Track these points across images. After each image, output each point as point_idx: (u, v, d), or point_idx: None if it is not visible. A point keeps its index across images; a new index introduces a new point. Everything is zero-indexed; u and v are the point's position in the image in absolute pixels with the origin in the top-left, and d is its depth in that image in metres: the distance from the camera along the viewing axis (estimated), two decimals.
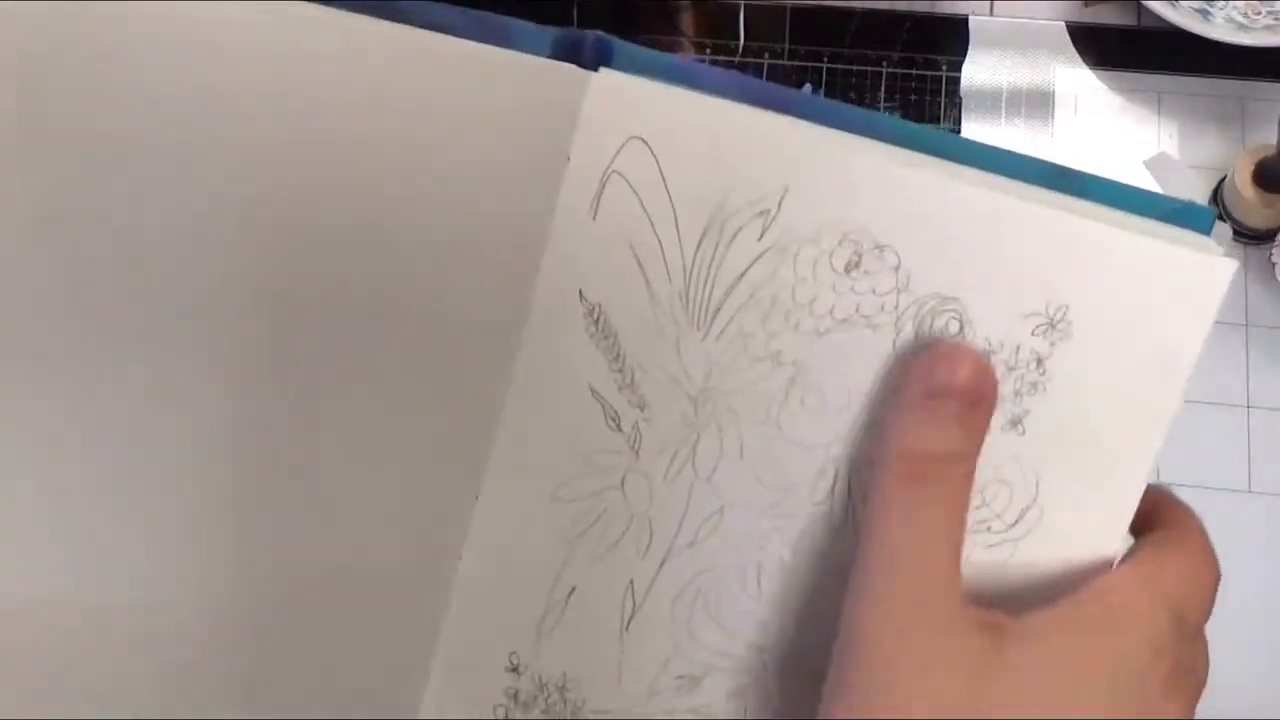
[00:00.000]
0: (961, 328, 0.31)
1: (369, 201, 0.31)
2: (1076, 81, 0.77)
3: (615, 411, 0.33)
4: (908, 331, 0.32)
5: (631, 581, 0.34)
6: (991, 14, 0.80)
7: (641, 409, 0.33)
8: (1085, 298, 0.31)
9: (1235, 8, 0.71)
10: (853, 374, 0.32)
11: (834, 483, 0.33)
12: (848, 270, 0.31)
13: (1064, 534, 0.33)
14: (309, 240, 0.31)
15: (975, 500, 0.33)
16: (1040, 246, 0.31)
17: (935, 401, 0.31)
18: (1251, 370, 0.70)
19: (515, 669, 0.35)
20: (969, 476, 0.31)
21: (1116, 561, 0.33)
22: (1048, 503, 0.32)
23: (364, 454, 0.33)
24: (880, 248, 0.31)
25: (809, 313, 0.32)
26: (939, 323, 0.31)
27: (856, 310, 0.32)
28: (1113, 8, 0.77)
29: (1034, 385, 0.32)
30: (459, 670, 0.35)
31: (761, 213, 0.31)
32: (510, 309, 0.32)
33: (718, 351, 0.32)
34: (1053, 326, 0.31)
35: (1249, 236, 0.72)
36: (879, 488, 0.31)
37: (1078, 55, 0.77)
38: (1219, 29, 0.70)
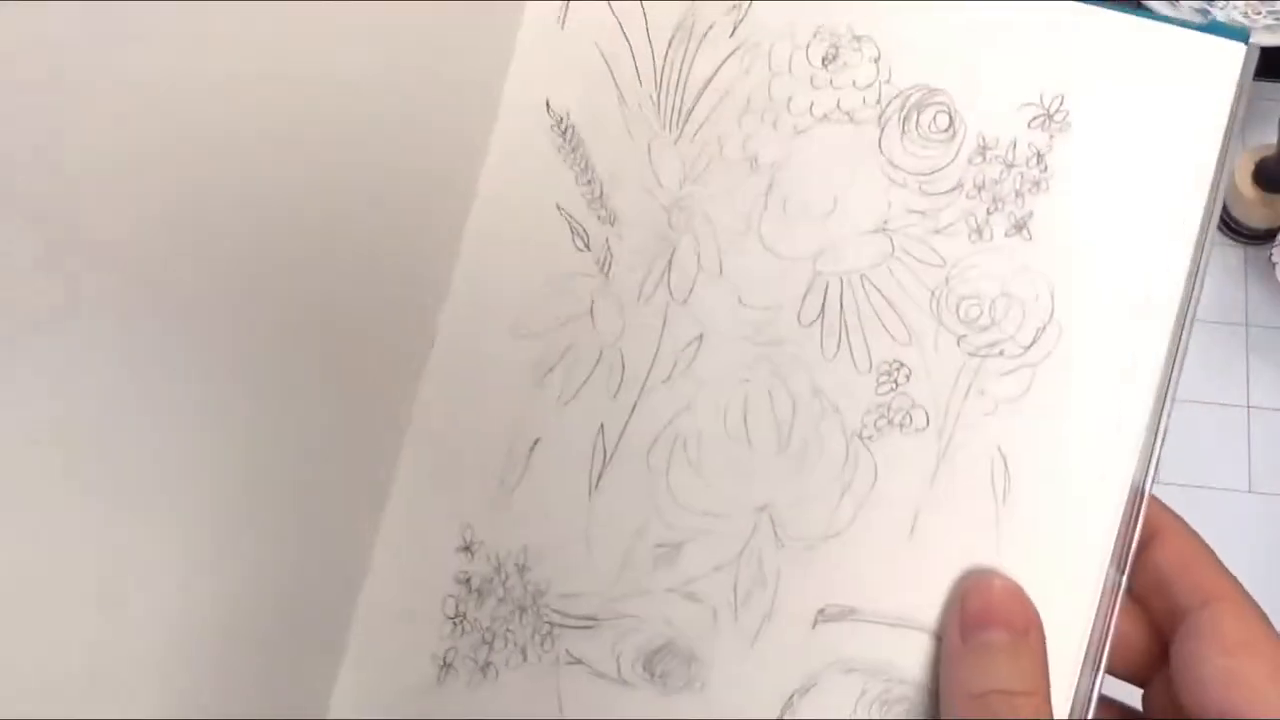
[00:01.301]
0: (951, 121, 0.29)
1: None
2: None
3: (584, 229, 0.30)
4: (893, 129, 0.30)
5: (602, 427, 0.30)
6: None
7: (612, 223, 0.30)
8: (1082, 85, 0.29)
9: (1235, 8, 0.72)
10: (837, 175, 0.30)
11: (823, 300, 0.30)
12: (825, 64, 0.30)
13: (1087, 356, 0.29)
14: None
15: (983, 320, 0.29)
16: (1030, 30, 0.29)
17: (977, 639, 0.28)
18: (1251, 370, 0.68)
19: (468, 547, 0.30)
20: (1042, 713, 0.28)
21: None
22: (1066, 321, 0.29)
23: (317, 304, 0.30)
24: (858, 39, 0.30)
25: (787, 110, 0.30)
26: (926, 116, 0.30)
27: (837, 106, 0.30)
28: (1113, 8, 0.79)
29: (1036, 183, 0.29)
30: (404, 554, 0.30)
31: (731, 9, 0.30)
32: (473, 124, 0.30)
33: (692, 154, 0.30)
34: (1050, 118, 0.29)
35: (1249, 236, 0.70)
36: None
37: None
38: None
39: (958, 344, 0.29)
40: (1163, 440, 0.29)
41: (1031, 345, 0.29)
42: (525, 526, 0.30)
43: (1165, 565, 0.30)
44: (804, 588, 0.29)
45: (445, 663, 0.30)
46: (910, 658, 0.29)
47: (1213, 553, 0.30)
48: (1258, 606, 0.29)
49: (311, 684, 0.30)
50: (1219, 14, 0.73)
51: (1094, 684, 0.28)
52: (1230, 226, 0.71)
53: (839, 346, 0.30)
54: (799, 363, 0.30)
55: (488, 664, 0.30)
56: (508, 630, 0.30)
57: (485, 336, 0.30)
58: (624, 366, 0.30)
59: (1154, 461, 0.29)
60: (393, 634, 0.30)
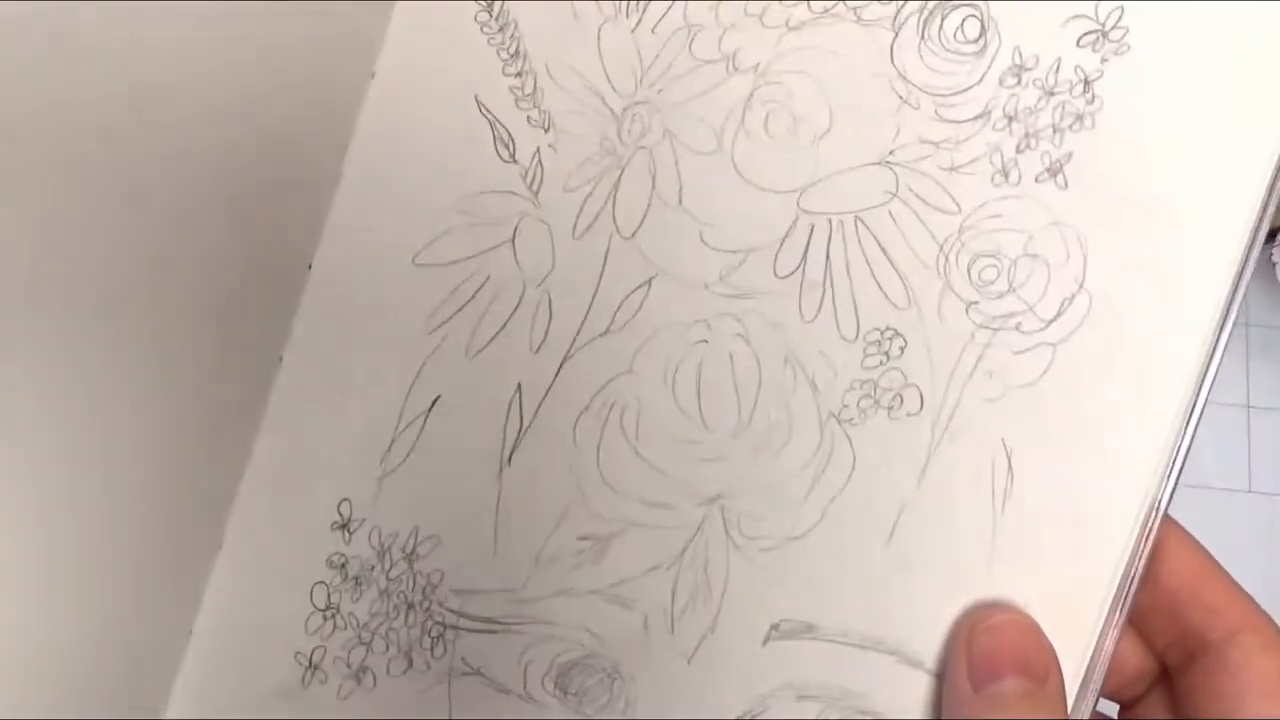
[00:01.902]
0: (983, 29, 0.23)
1: None
2: None
3: (509, 133, 0.24)
4: (909, 33, 0.23)
5: (519, 387, 0.24)
6: None
7: (546, 129, 0.24)
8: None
9: None
10: (835, 88, 0.23)
11: (806, 247, 0.24)
12: None
13: (1117, 344, 0.23)
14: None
15: (1000, 284, 0.24)
16: None
17: (991, 688, 0.23)
18: (1251, 370, 0.68)
19: (345, 525, 0.24)
20: None
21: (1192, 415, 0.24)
22: (1098, 291, 0.23)
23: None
24: None
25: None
26: (951, 22, 0.23)
27: None
28: None
29: (1079, 118, 0.23)
30: (264, 529, 0.24)
31: None
32: None
33: (654, 48, 0.23)
34: (1104, 36, 0.23)
35: None
36: None
37: None
38: None
39: (966, 312, 0.24)
40: (1187, 452, 0.24)
41: (1054, 320, 0.24)
42: (417, 505, 0.24)
43: (1174, 584, 0.25)
44: (757, 597, 0.24)
45: (311, 663, 0.24)
46: (878, 686, 0.24)
47: (1223, 569, 0.26)
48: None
49: (149, 680, 0.24)
50: None
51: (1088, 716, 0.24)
52: None
53: (821, 305, 0.24)
54: (770, 322, 0.24)
55: (364, 669, 0.24)
56: (390, 629, 0.24)
57: (376, 263, 0.24)
58: (551, 313, 0.24)
59: (1175, 475, 0.24)
60: (247, 626, 0.24)
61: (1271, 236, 0.67)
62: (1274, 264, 0.64)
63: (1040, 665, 0.23)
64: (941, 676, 0.24)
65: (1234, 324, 0.24)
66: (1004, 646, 0.23)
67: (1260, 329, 0.66)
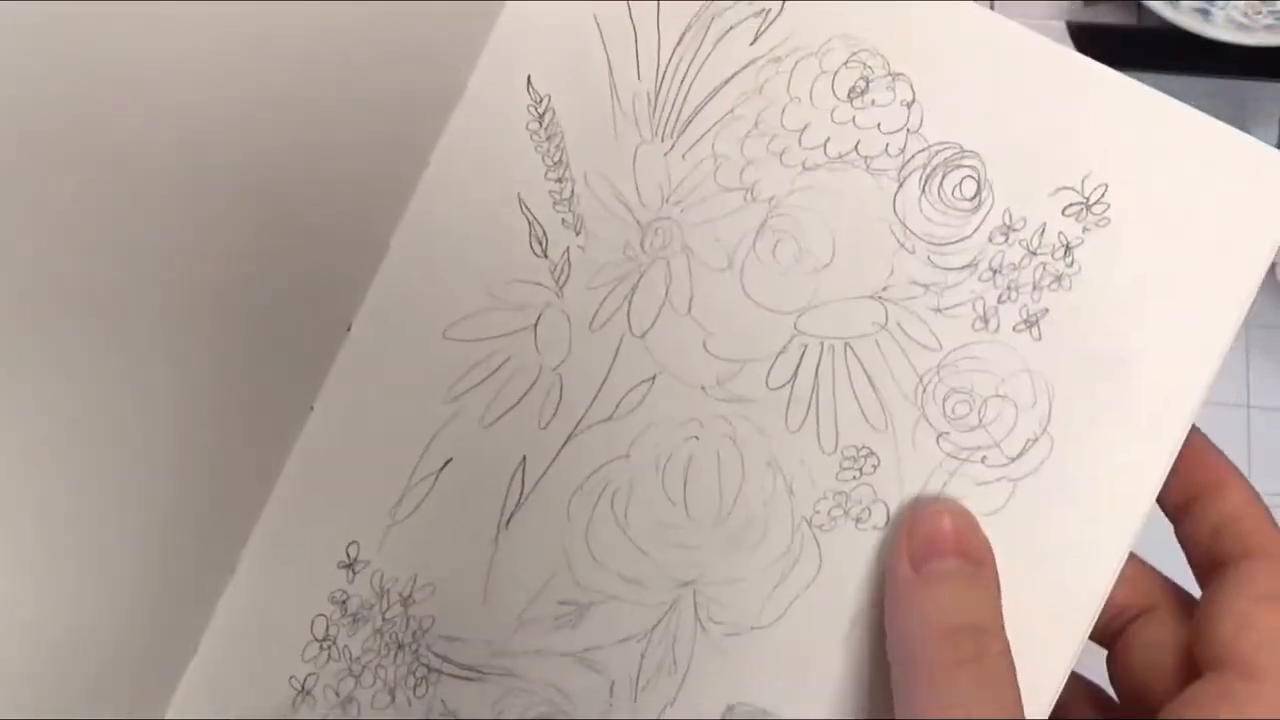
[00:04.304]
0: (979, 189, 0.26)
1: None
2: None
3: (544, 231, 0.26)
4: (912, 186, 0.26)
5: (524, 460, 0.26)
6: None
7: (577, 232, 0.26)
8: (1130, 178, 0.26)
9: (1235, 7, 0.70)
10: (841, 226, 0.26)
11: (797, 365, 0.26)
12: (851, 97, 0.26)
13: (1074, 483, 0.26)
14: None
15: (970, 419, 0.26)
16: (1086, 107, 0.25)
17: (932, 566, 0.25)
18: (1251, 370, 0.66)
19: (351, 565, 0.27)
20: (1009, 655, 0.25)
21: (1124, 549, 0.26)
22: (1060, 435, 0.26)
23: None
24: (894, 76, 0.26)
25: (798, 142, 0.26)
26: (951, 180, 0.26)
27: (855, 148, 0.26)
28: (1113, 7, 0.76)
29: (1058, 279, 0.26)
30: (277, 559, 0.27)
31: (761, 12, 0.26)
32: (439, 90, 0.26)
33: (682, 172, 0.26)
34: (1088, 208, 0.26)
35: None
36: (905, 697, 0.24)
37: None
38: (1219, 29, 0.68)
39: (937, 441, 0.26)
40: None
41: (1018, 457, 0.26)
42: (419, 555, 0.26)
43: (1219, 517, 0.27)
44: (716, 679, 0.26)
45: (304, 689, 0.27)
46: None
47: (1268, 512, 0.28)
48: None
49: (150, 694, 0.27)
50: (1218, 14, 0.70)
51: None
52: None
53: (805, 419, 0.26)
54: (757, 429, 0.26)
55: (350, 699, 0.26)
56: (379, 665, 0.26)
57: (411, 332, 0.26)
58: (561, 396, 0.26)
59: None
60: (250, 647, 0.27)
61: None
62: (1274, 264, 0.65)
63: (977, 549, 0.25)
64: None
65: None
66: (943, 531, 0.25)
67: (1260, 329, 0.66)
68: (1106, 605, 0.27)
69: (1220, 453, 0.28)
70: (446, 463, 0.26)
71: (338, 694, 0.26)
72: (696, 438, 0.26)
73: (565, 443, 0.26)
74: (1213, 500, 0.27)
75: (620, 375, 0.26)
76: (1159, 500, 0.27)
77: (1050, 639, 0.26)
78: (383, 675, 0.26)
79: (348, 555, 0.27)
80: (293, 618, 0.27)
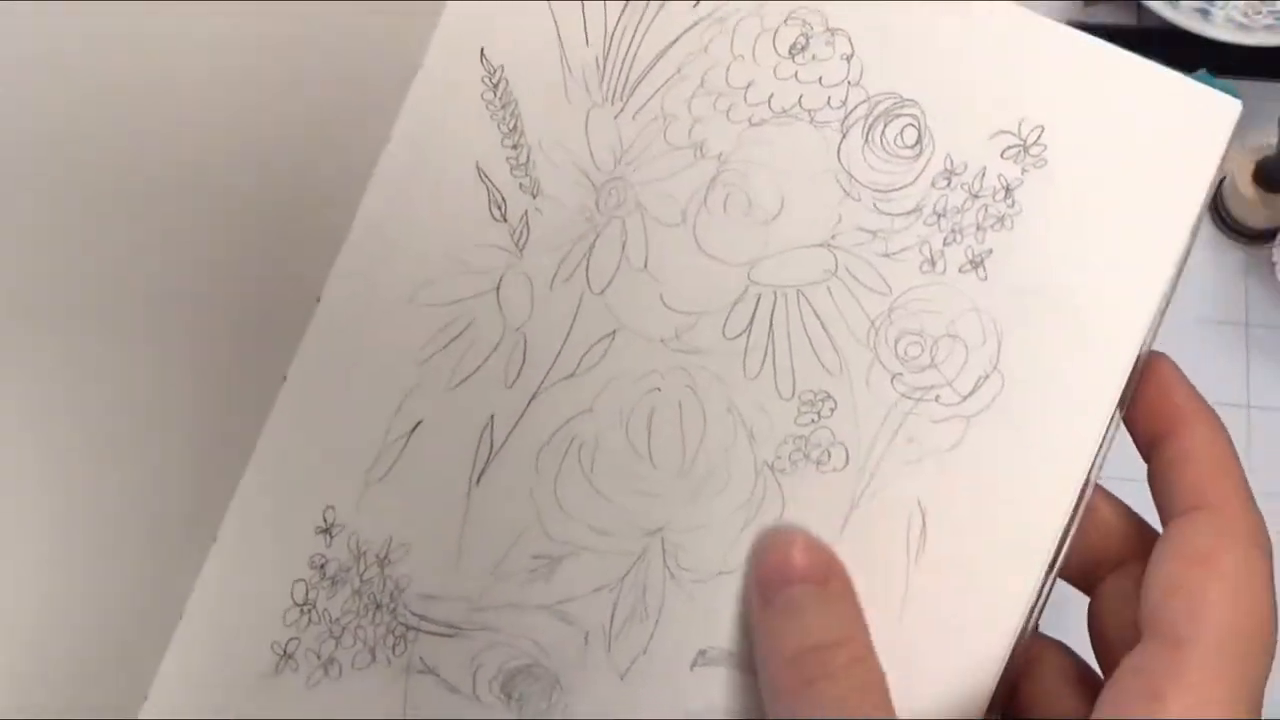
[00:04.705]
0: (919, 137, 0.27)
1: None
2: None
3: (502, 197, 0.27)
4: (855, 136, 0.27)
5: (491, 418, 0.27)
6: None
7: (534, 195, 0.27)
8: (1065, 120, 0.26)
9: (1235, 7, 0.70)
10: (787, 179, 0.27)
11: (752, 314, 0.27)
12: (793, 54, 0.27)
13: (1026, 418, 0.26)
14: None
15: (923, 359, 0.27)
16: (1022, 52, 0.26)
17: (779, 597, 0.26)
18: (1251, 370, 0.67)
19: (328, 529, 0.27)
20: (862, 662, 0.25)
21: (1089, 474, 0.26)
22: (1010, 372, 0.26)
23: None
24: (832, 31, 0.27)
25: (743, 99, 0.27)
26: (892, 129, 0.27)
27: (798, 102, 0.27)
28: (1113, 8, 0.77)
29: (1000, 220, 0.27)
30: (255, 528, 0.27)
31: None
32: (396, 67, 0.27)
33: (632, 132, 0.27)
34: (1025, 150, 0.27)
35: (1249, 236, 0.69)
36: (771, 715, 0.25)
37: None
38: (1219, 29, 0.69)
39: (891, 382, 0.27)
40: (1079, 520, 0.27)
41: (970, 395, 0.27)
42: (393, 516, 0.27)
43: (1173, 462, 0.26)
44: (687, 625, 0.26)
45: (285, 653, 0.27)
46: None
47: (1231, 458, 0.26)
48: (1250, 527, 0.25)
49: (136, 663, 0.27)
50: (1218, 13, 0.71)
51: None
52: (1230, 226, 0.70)
53: (762, 366, 0.27)
54: (716, 378, 0.27)
55: (332, 660, 0.27)
56: (359, 626, 0.27)
57: (378, 300, 0.27)
58: (525, 355, 0.27)
59: (1069, 540, 0.26)
60: (231, 614, 0.27)
61: (1271, 236, 0.67)
62: (1274, 264, 0.65)
63: (821, 568, 0.25)
64: None
65: (1124, 405, 0.27)
66: (785, 559, 0.25)
67: (1260, 329, 0.66)
68: (1083, 551, 0.27)
69: (1190, 389, 0.27)
70: (417, 425, 0.27)
71: (319, 656, 0.27)
72: (658, 389, 0.27)
73: (531, 400, 0.27)
74: (1172, 439, 0.27)
75: (581, 332, 0.27)
76: (1134, 439, 0.27)
77: (1010, 572, 0.26)
78: (362, 636, 0.27)
79: (324, 520, 0.27)
80: (273, 583, 0.27)
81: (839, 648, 0.25)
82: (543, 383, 0.27)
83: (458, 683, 0.27)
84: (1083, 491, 0.26)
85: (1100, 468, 0.27)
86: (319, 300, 0.27)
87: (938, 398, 0.27)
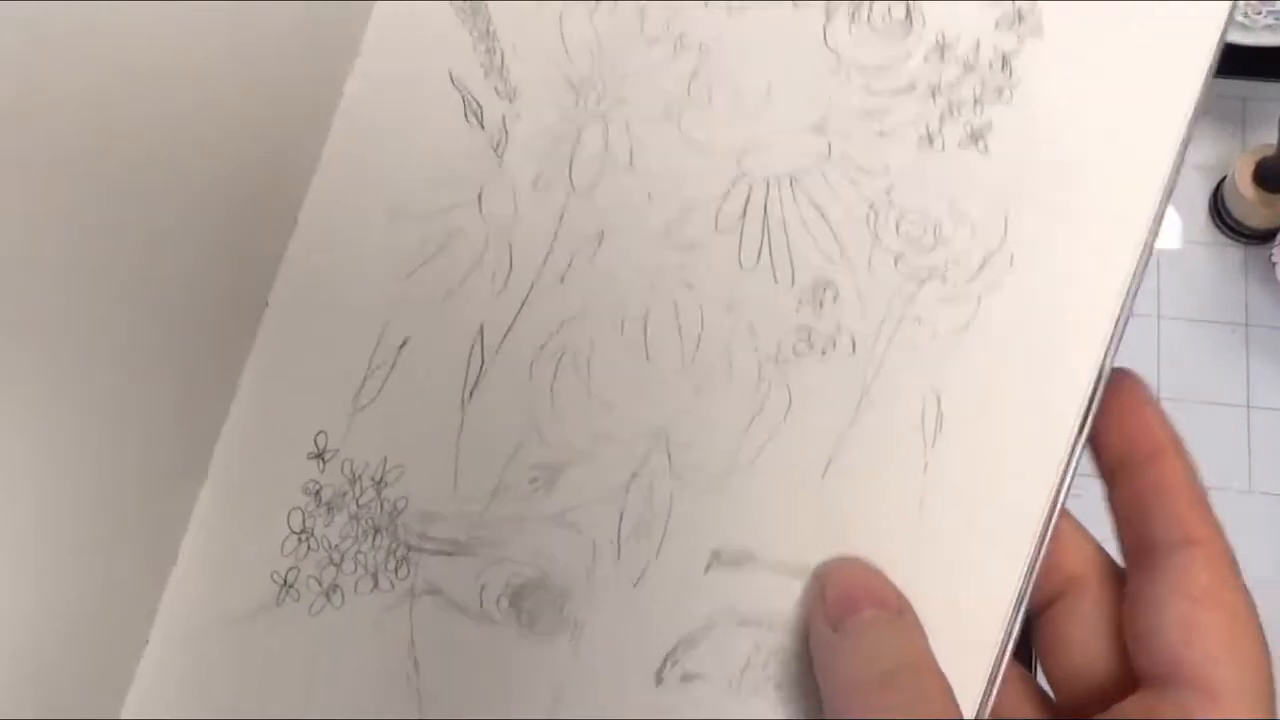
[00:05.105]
0: (908, 12, 0.26)
1: None
2: None
3: (478, 103, 0.26)
4: (840, 16, 0.26)
5: (481, 328, 0.26)
6: None
7: (511, 100, 0.26)
8: None
9: (1235, 8, 0.70)
10: (773, 63, 0.26)
11: (745, 205, 0.26)
12: None
13: (1037, 294, 0.25)
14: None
15: (926, 239, 0.26)
16: None
17: (851, 622, 0.24)
18: (1251, 370, 0.67)
19: (320, 455, 0.26)
20: (937, 682, 0.24)
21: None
22: (1018, 247, 0.25)
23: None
24: None
25: None
26: (879, 7, 0.26)
27: None
28: None
29: (998, 91, 0.26)
30: (247, 457, 0.27)
31: None
32: None
33: (609, 27, 0.26)
34: (1020, 19, 0.26)
35: (1249, 236, 0.69)
36: None
37: None
38: None
39: (895, 264, 0.26)
40: (1103, 390, 0.26)
41: (979, 272, 0.25)
42: (387, 436, 0.26)
43: (1151, 491, 0.26)
44: (699, 526, 0.26)
45: (286, 582, 0.26)
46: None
47: (1203, 490, 0.26)
48: (1232, 557, 0.26)
49: (135, 600, 0.26)
50: None
51: (1002, 664, 0.25)
52: (1230, 226, 0.70)
53: (759, 258, 0.26)
54: (712, 272, 0.26)
55: (334, 587, 0.26)
56: (359, 551, 0.26)
57: (357, 217, 0.27)
58: (512, 262, 0.26)
59: (1093, 411, 0.25)
60: (228, 548, 0.27)
61: (1271, 236, 0.67)
62: (1274, 264, 0.65)
63: (894, 599, 0.24)
64: None
65: (1140, 282, 0.26)
66: (856, 585, 0.24)
67: (1260, 329, 0.66)
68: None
69: (1163, 415, 0.27)
70: (405, 342, 0.26)
71: (320, 583, 0.26)
72: (652, 287, 0.26)
73: (520, 308, 0.26)
74: (1147, 467, 0.26)
75: (568, 236, 0.26)
76: (1099, 461, 0.26)
77: (1031, 454, 0.25)
78: (363, 560, 0.26)
79: (316, 445, 0.26)
80: (268, 514, 0.26)
81: (929, 671, 0.24)
82: (532, 289, 0.26)
83: (465, 602, 0.26)
84: (1098, 379, 0.25)
85: (1114, 355, 0.26)
86: (296, 222, 0.27)
87: (944, 277, 0.26)
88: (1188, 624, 0.24)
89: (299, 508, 0.26)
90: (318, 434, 0.26)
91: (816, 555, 0.25)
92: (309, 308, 0.27)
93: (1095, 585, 0.26)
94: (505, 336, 0.26)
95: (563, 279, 0.26)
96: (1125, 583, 0.26)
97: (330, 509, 0.26)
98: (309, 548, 0.26)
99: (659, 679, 0.26)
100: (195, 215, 0.26)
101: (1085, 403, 0.25)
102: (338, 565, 0.26)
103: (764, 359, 0.26)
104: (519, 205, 0.26)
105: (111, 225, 0.25)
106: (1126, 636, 0.25)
